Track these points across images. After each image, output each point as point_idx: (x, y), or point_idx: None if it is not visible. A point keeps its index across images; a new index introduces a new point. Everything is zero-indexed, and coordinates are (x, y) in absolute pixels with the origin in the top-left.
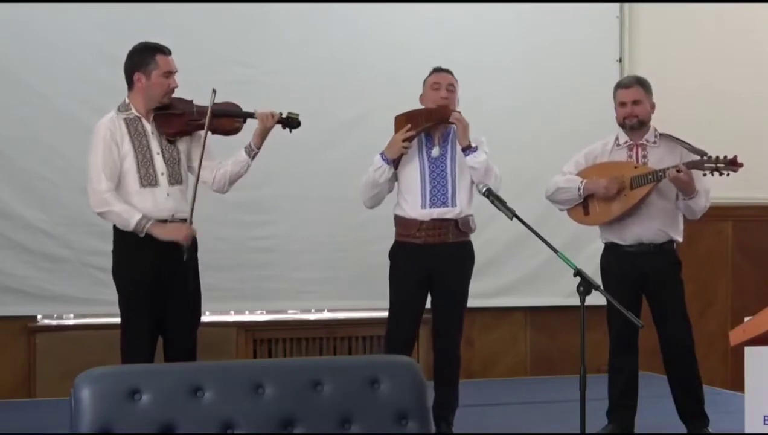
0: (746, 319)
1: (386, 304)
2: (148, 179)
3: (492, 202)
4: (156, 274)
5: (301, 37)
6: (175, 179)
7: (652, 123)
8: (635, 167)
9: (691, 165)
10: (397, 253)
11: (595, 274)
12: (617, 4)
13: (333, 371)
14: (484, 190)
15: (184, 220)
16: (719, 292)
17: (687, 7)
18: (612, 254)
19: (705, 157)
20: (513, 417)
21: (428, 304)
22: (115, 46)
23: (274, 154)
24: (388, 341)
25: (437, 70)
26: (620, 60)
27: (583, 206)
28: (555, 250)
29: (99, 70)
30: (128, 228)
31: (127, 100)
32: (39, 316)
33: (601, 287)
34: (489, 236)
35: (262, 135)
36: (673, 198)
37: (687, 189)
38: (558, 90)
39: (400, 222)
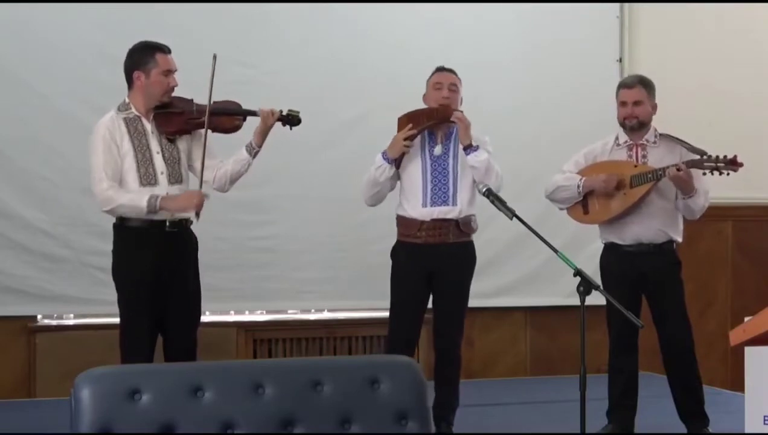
0: (746, 319)
1: (386, 304)
2: (147, 178)
3: (492, 202)
4: (156, 273)
5: (301, 37)
6: (174, 178)
7: (653, 123)
8: (635, 166)
9: (691, 164)
10: (398, 252)
11: (594, 274)
12: (617, 4)
13: (333, 371)
14: (484, 189)
15: (183, 220)
16: (719, 292)
17: (687, 7)
18: (611, 254)
19: (705, 157)
20: (513, 417)
21: (430, 304)
22: (115, 46)
23: (274, 153)
24: (390, 341)
25: (440, 70)
26: (620, 60)
27: (582, 205)
28: (555, 250)
29: (99, 70)
30: (142, 213)
31: (126, 100)
32: (39, 316)
33: (601, 287)
34: (489, 236)
35: (263, 133)
36: (672, 198)
37: (686, 187)
38: (558, 90)
39: (402, 222)
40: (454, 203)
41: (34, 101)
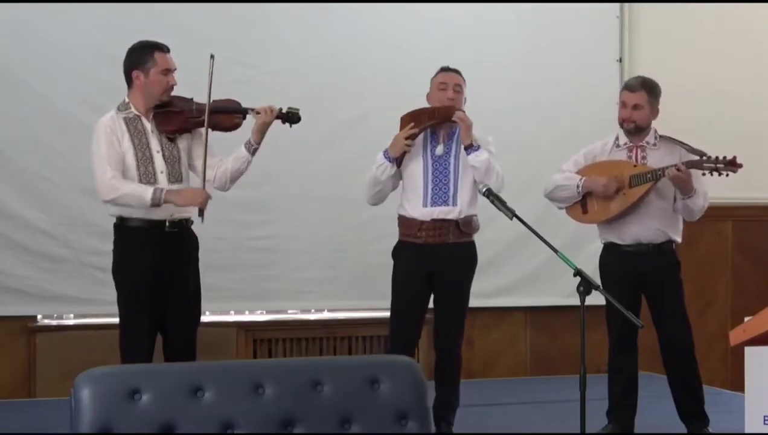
0: (746, 319)
1: (386, 304)
2: (147, 177)
3: (492, 202)
4: (156, 273)
5: (301, 37)
6: (174, 177)
7: (653, 124)
8: (634, 166)
9: (690, 164)
10: (399, 252)
11: (594, 274)
12: (617, 4)
13: (333, 371)
14: (484, 190)
15: (184, 220)
16: (719, 292)
17: (687, 7)
18: (611, 254)
19: (704, 157)
20: (513, 417)
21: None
22: (115, 46)
23: (274, 153)
24: (391, 341)
25: (445, 70)
26: (620, 60)
27: (581, 204)
28: (555, 250)
29: (99, 70)
30: (145, 204)
31: (126, 100)
32: (39, 316)
33: (601, 287)
34: (489, 236)
35: (262, 130)
36: (671, 198)
37: (685, 187)
38: (558, 90)
39: (403, 221)
40: (455, 203)
41: (34, 101)
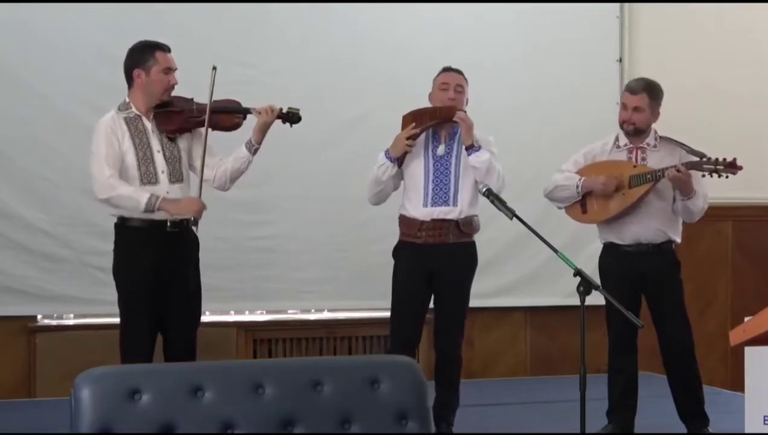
0: (746, 319)
1: (386, 304)
2: (148, 177)
3: (492, 202)
4: (156, 273)
5: (301, 37)
6: (175, 177)
7: (654, 125)
8: (634, 166)
9: (690, 165)
10: (399, 252)
11: (594, 273)
12: (617, 4)
13: (333, 371)
14: (484, 190)
15: (185, 220)
16: (719, 292)
17: (687, 7)
18: (611, 254)
19: (704, 159)
20: (513, 417)
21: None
22: (115, 46)
23: (274, 153)
24: (392, 341)
25: (447, 70)
26: (620, 60)
27: (581, 204)
28: (555, 250)
29: (99, 70)
30: (139, 208)
31: (127, 99)
32: (39, 316)
33: (601, 287)
34: (489, 236)
35: (262, 130)
36: (670, 199)
37: (685, 188)
38: (558, 90)
39: (403, 221)
40: (455, 204)
41: (34, 101)
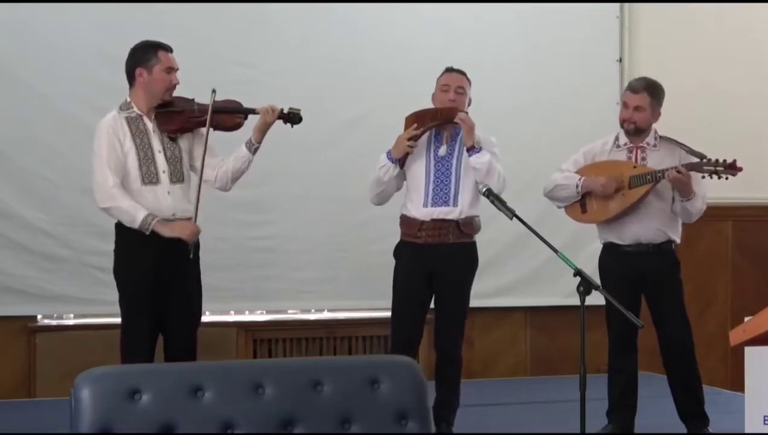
0: (746, 319)
1: (386, 304)
2: (149, 177)
3: (492, 202)
4: (157, 273)
5: (301, 37)
6: (176, 177)
7: (654, 125)
8: (634, 167)
9: (690, 167)
10: (400, 252)
11: (594, 273)
12: (617, 4)
13: (333, 371)
14: (484, 190)
15: (185, 219)
16: (719, 292)
17: (687, 7)
18: (610, 254)
19: (704, 160)
20: (513, 417)
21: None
22: (115, 46)
23: (274, 153)
24: (392, 341)
25: (449, 71)
26: (620, 60)
27: (580, 204)
28: (555, 250)
29: (99, 70)
30: (133, 225)
31: (128, 99)
32: (39, 316)
33: (601, 287)
34: (489, 236)
35: (263, 129)
36: (670, 200)
37: (685, 190)
38: (558, 90)
39: (404, 221)
40: (455, 204)
41: (34, 101)
